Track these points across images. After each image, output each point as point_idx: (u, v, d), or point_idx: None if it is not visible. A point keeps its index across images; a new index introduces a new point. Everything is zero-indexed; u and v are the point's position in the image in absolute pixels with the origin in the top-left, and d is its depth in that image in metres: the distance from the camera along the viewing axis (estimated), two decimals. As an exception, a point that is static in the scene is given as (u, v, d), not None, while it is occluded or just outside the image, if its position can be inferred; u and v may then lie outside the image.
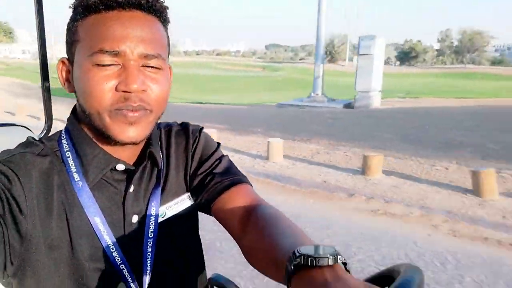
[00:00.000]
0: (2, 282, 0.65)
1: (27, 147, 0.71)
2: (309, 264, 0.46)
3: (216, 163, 0.84)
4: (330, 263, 0.45)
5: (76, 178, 0.71)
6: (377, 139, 7.90)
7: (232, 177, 0.82)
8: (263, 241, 0.67)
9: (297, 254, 0.48)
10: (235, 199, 0.79)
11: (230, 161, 0.87)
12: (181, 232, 0.82)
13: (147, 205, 0.76)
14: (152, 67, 0.69)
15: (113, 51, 0.65)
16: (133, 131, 0.69)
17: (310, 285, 0.46)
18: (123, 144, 0.70)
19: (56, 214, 0.68)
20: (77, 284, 0.70)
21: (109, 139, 0.70)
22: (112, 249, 0.71)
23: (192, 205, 0.83)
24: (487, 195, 4.45)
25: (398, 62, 69.08)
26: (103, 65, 0.66)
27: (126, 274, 0.73)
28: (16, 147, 0.72)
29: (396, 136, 8.17)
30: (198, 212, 0.86)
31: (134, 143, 0.71)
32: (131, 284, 0.73)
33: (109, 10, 0.67)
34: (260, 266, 0.69)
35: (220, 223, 0.81)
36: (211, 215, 0.82)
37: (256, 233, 0.71)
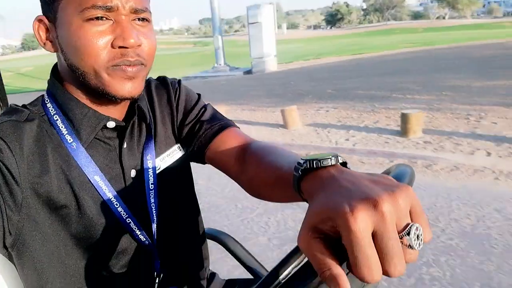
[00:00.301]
0: (2, 254, 0.64)
1: (13, 114, 0.69)
2: (314, 166, 0.48)
3: (202, 111, 0.87)
4: (333, 162, 0.48)
5: (69, 140, 0.71)
6: (248, 96, 9.21)
7: (220, 122, 0.86)
8: (265, 167, 0.71)
9: (302, 161, 0.51)
10: (228, 141, 0.83)
11: (214, 108, 0.90)
12: (177, 183, 0.86)
13: (142, 158, 0.79)
14: (143, 19, 0.70)
15: (106, 6, 0.65)
16: (131, 86, 0.70)
17: (318, 182, 0.47)
18: (121, 100, 0.71)
19: (55, 176, 0.68)
20: (86, 240, 0.71)
21: (105, 97, 0.70)
22: (116, 204, 0.73)
23: (183, 155, 0.86)
24: (291, 126, 5.84)
25: (329, 26, 71.15)
26: (96, 21, 0.65)
27: (134, 226, 0.75)
28: (0, 115, 0.70)
29: (265, 92, 9.53)
30: (191, 163, 0.90)
31: (132, 98, 0.72)
32: (140, 235, 0.76)
33: None
34: (264, 193, 0.73)
35: (216, 167, 0.85)
36: (204, 163, 0.87)
37: (256, 164, 0.75)
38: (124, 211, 0.74)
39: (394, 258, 0.36)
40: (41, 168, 0.67)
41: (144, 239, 0.77)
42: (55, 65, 0.76)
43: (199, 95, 0.91)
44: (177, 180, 0.86)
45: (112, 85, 0.69)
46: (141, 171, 0.79)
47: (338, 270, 0.37)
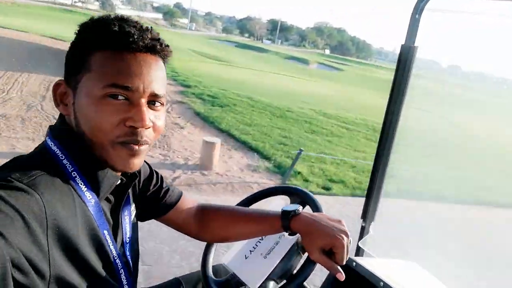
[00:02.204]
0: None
1: (36, 165, 0.68)
2: (296, 213, 0.93)
3: (160, 178, 1.04)
4: (301, 210, 0.95)
5: (89, 197, 0.73)
6: None
7: (175, 189, 1.07)
8: (235, 222, 1.04)
9: (290, 210, 0.93)
10: (185, 206, 1.07)
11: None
12: (134, 236, 0.92)
13: (121, 213, 0.85)
14: (157, 104, 0.76)
15: (126, 86, 0.69)
16: (134, 163, 0.75)
17: (304, 223, 0.92)
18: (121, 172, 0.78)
19: (82, 234, 0.69)
20: None
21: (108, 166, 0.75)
22: (115, 257, 0.78)
23: (137, 212, 0.96)
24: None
25: None
26: (113, 99, 0.70)
27: (123, 278, 0.80)
28: (16, 165, 0.68)
29: None
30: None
31: (132, 171, 0.79)
32: (125, 285, 0.81)
33: (127, 51, 0.71)
34: (229, 238, 1.06)
35: (174, 227, 1.08)
36: (157, 220, 1.06)
37: (222, 221, 1.06)
38: (120, 263, 0.79)
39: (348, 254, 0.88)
40: (72, 227, 0.67)
41: None
42: (64, 122, 0.76)
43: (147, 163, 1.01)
44: (134, 233, 0.93)
45: (116, 160, 0.73)
46: (121, 225, 0.84)
47: (336, 266, 0.86)
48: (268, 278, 0.97)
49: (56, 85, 0.75)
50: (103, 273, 0.74)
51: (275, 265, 0.97)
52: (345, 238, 0.87)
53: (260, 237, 1.06)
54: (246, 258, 1.03)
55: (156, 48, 0.74)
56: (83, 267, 0.69)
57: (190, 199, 1.11)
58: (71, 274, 0.66)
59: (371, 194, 1.48)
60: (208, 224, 1.07)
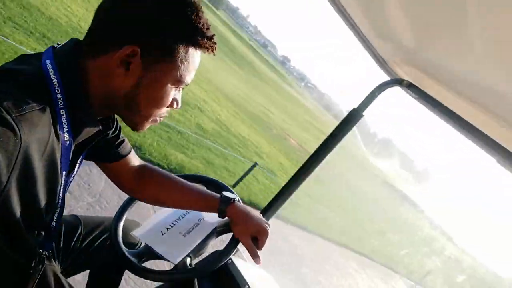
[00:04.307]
0: None
1: (30, 94, 0.65)
2: (234, 201, 1.06)
3: (119, 127, 1.02)
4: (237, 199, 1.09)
5: (66, 138, 0.71)
6: None
7: (127, 143, 1.07)
8: (174, 189, 1.11)
9: (229, 197, 1.07)
10: (131, 161, 1.10)
11: None
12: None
13: (78, 157, 0.86)
14: None
15: (188, 84, 0.82)
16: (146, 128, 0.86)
17: (237, 210, 1.05)
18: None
19: (41, 175, 0.68)
20: (32, 218, 0.72)
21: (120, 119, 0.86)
22: (60, 196, 0.78)
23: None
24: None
25: None
26: (176, 90, 0.84)
27: (56, 214, 0.80)
28: (21, 85, 0.66)
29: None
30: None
31: None
32: (54, 220, 0.81)
33: (202, 50, 0.81)
34: (165, 202, 1.14)
35: (112, 177, 1.10)
36: (99, 165, 1.07)
37: (162, 185, 1.11)
38: (60, 201, 0.81)
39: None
40: (37, 169, 0.66)
41: (54, 224, 0.82)
42: (74, 52, 0.75)
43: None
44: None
45: (142, 125, 0.85)
46: (73, 168, 0.86)
47: (257, 252, 1.03)
48: (186, 255, 1.06)
49: (130, 47, 0.72)
50: (44, 208, 0.74)
51: (196, 244, 1.07)
52: (268, 228, 1.04)
53: (178, 217, 1.15)
54: (162, 234, 1.09)
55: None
56: (30, 201, 0.69)
57: (137, 157, 1.14)
58: (15, 206, 0.65)
59: (279, 196, 1.52)
60: (148, 183, 1.12)
